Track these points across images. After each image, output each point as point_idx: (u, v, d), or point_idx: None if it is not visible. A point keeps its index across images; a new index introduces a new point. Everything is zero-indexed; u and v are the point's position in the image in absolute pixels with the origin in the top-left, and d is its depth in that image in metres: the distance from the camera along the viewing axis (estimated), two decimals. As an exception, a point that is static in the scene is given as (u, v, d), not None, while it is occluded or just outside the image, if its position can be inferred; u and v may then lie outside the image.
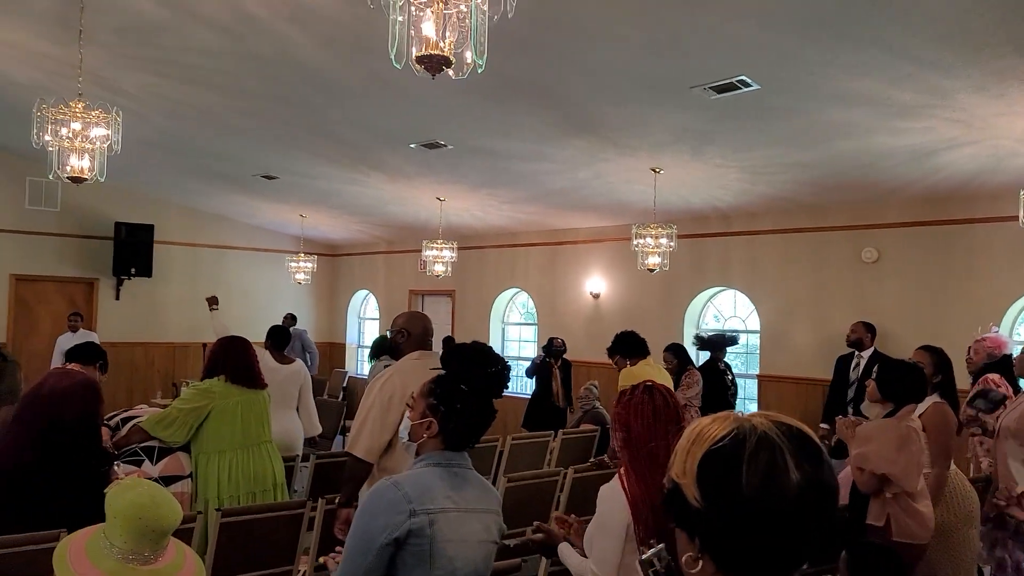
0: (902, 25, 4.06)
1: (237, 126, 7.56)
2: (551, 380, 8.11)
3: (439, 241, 9.35)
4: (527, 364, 10.73)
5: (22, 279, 10.41)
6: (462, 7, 2.27)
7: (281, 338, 6.03)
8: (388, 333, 3.81)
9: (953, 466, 3.95)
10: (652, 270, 7.29)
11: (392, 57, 2.31)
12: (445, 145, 7.18)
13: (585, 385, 7.62)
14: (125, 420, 4.26)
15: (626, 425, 2.47)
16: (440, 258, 9.34)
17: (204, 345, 10.74)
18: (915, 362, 3.94)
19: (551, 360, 8.26)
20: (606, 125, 6.20)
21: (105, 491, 2.04)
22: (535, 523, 2.73)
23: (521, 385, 10.91)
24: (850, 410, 6.39)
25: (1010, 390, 4.66)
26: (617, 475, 2.48)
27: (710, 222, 8.53)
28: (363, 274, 13.08)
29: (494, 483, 5.38)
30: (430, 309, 12.08)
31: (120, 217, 10.87)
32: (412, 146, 7.29)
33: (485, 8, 2.28)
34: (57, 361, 8.90)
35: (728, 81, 4.96)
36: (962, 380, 4.65)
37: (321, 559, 2.45)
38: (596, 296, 9.68)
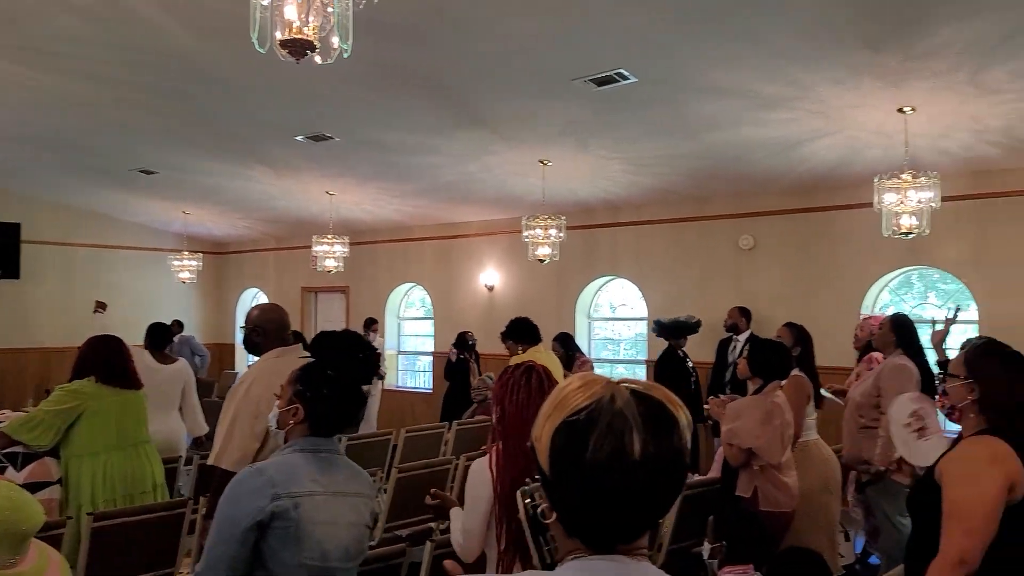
0: (769, 17, 4.26)
1: (110, 118, 7.22)
2: (468, 375, 8.09)
3: (330, 236, 9.21)
4: (427, 359, 10.74)
5: None
6: (326, -8, 2.26)
7: (160, 337, 5.81)
8: (243, 328, 3.55)
9: (815, 434, 4.21)
10: (543, 261, 7.41)
11: (255, 40, 2.28)
12: (332, 137, 7.08)
13: (480, 376, 7.68)
14: (-14, 427, 4.04)
15: (501, 403, 2.50)
16: (331, 253, 9.20)
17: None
18: (779, 340, 4.18)
19: (467, 355, 8.30)
20: (493, 117, 6.26)
21: None
22: (432, 490, 2.77)
23: (422, 380, 10.90)
24: (728, 390, 6.69)
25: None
26: (488, 452, 2.52)
27: (598, 213, 8.74)
28: (252, 272, 12.74)
29: (387, 476, 5.37)
30: (324, 306, 11.89)
31: (-17, 215, 10.24)
32: (298, 139, 7.16)
33: (348, -7, 2.28)
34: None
35: (607, 74, 5.09)
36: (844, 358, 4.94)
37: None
38: (490, 288, 9.76)
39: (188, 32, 5.07)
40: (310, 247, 11.21)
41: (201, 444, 6.13)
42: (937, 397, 2.33)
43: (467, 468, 4.84)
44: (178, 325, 10.66)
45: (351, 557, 2.13)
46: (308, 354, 2.32)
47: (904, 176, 5.21)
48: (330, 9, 2.24)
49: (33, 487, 3.77)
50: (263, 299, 12.73)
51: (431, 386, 10.40)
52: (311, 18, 2.25)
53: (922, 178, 5.18)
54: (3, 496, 1.98)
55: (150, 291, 11.94)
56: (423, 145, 7.07)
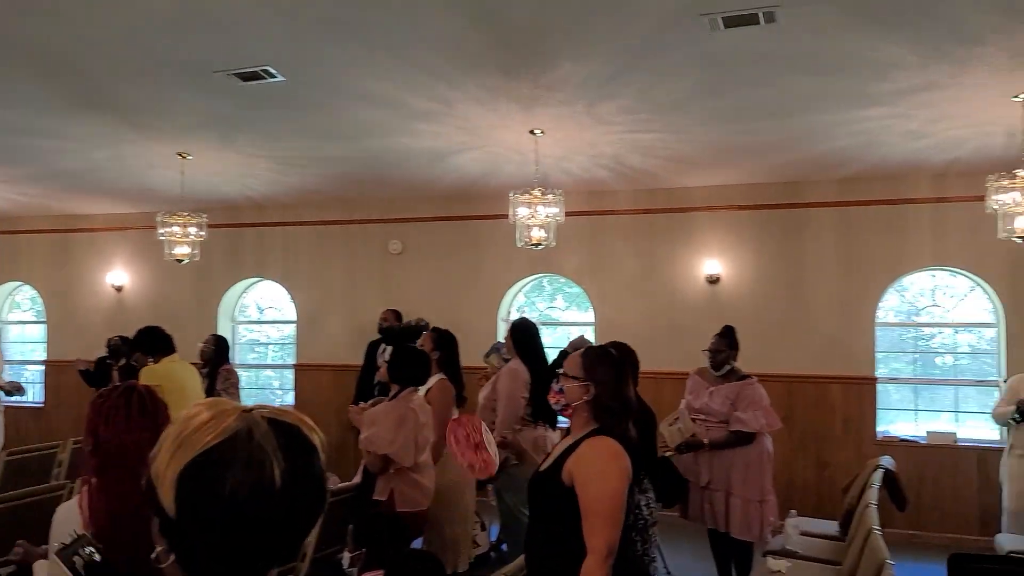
0: (409, 34, 4.39)
1: None
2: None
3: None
4: (38, 369, 9.40)
5: None
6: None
7: None
8: None
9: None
10: (180, 261, 6.89)
11: None
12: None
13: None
14: None
15: (94, 432, 2.14)
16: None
17: None
18: (421, 346, 4.37)
19: (111, 361, 7.37)
20: (126, 104, 5.66)
21: None
22: (19, 541, 2.38)
23: (30, 393, 9.48)
24: (376, 392, 6.82)
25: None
26: (80, 490, 2.20)
27: (244, 212, 8.37)
28: None
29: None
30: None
31: None
32: None
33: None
34: None
35: (253, 70, 4.88)
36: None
37: None
38: (119, 289, 8.84)
39: None
40: None
41: None
42: (552, 394, 2.53)
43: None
44: None
45: None
46: None
47: (535, 192, 5.74)
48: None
49: None
50: None
51: (43, 399, 9.13)
52: None
53: (549, 195, 5.74)
54: None
55: None
56: (38, 126, 6.17)
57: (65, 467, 5.67)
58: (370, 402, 4.40)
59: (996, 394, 6.44)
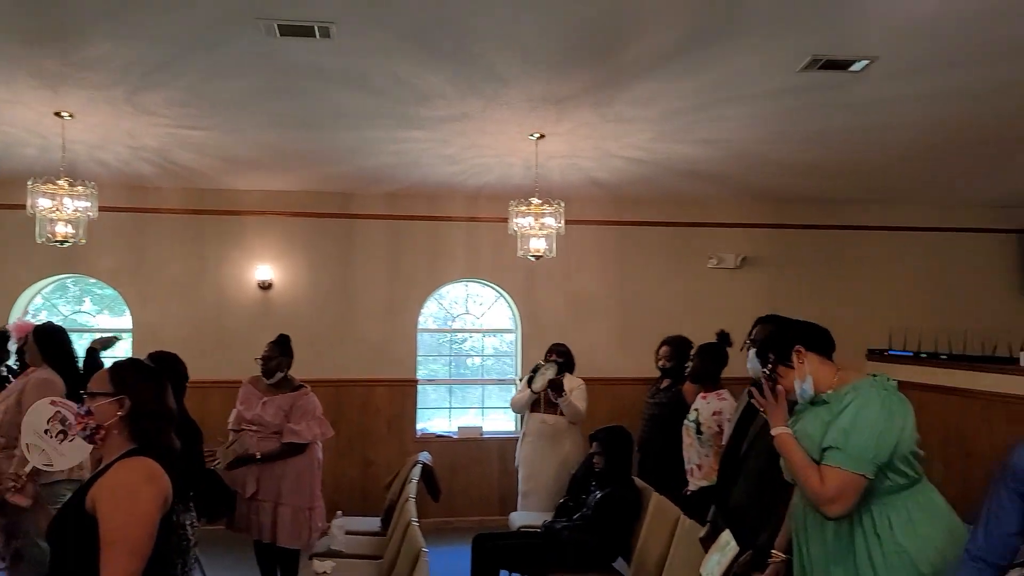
0: None
1: None
2: None
3: None
4: None
5: None
6: None
7: None
8: None
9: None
10: None
11: None
12: None
13: None
14: None
15: None
16: None
17: None
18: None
19: None
20: None
21: None
22: None
23: None
24: None
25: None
26: None
27: None
28: None
29: None
30: None
31: None
32: None
33: None
34: None
35: None
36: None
37: None
38: None
39: None
40: None
41: None
42: (77, 418, 2.22)
43: None
44: None
45: None
46: None
47: (61, 182, 5.05)
48: None
49: None
50: None
51: None
52: None
53: (80, 187, 5.11)
54: None
55: None
56: None
57: None
58: None
59: (515, 390, 7.43)
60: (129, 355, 6.69)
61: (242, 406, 4.73)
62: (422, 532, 3.26)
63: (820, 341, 2.55)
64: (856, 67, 4.49)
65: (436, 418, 7.63)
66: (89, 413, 2.19)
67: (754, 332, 3.04)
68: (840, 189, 7.14)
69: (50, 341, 4.24)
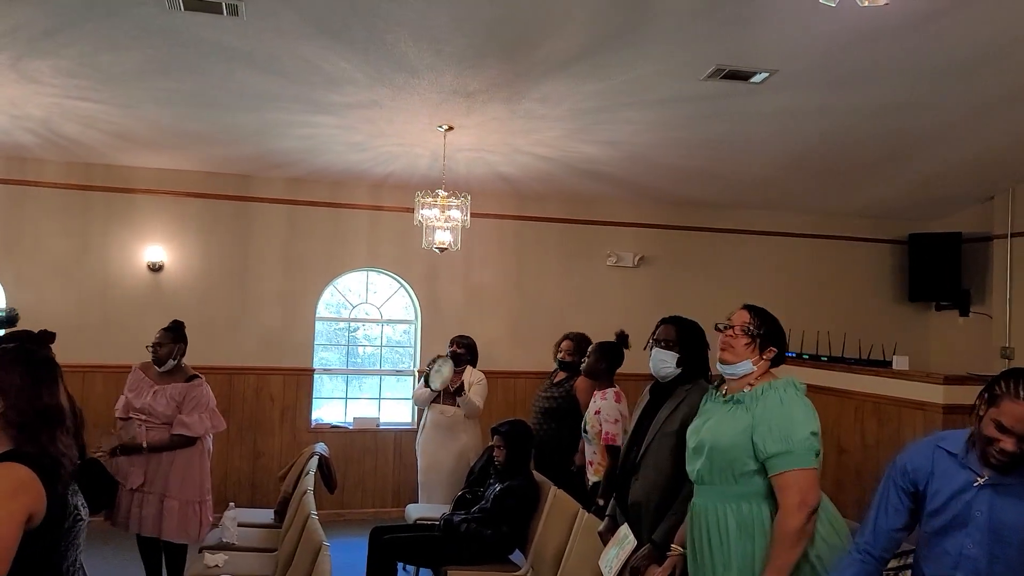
0: None
1: None
2: None
3: None
4: None
5: None
6: None
7: None
8: None
9: None
10: None
11: None
12: None
13: None
14: None
15: None
16: None
17: None
18: None
19: None
20: None
21: None
22: None
23: None
24: None
25: None
26: None
27: None
28: None
29: None
30: None
31: None
32: None
33: None
34: None
35: None
36: None
37: None
38: None
39: None
40: None
41: None
42: None
43: None
44: None
45: None
46: None
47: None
48: None
49: None
50: None
51: None
52: None
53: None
54: None
55: None
56: None
57: None
58: None
59: (411, 381, 7.40)
60: None
61: (131, 393, 4.52)
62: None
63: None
64: (757, 79, 4.70)
65: (330, 408, 7.51)
66: None
67: (658, 332, 3.14)
68: (733, 194, 7.44)
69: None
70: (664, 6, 3.93)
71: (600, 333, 5.07)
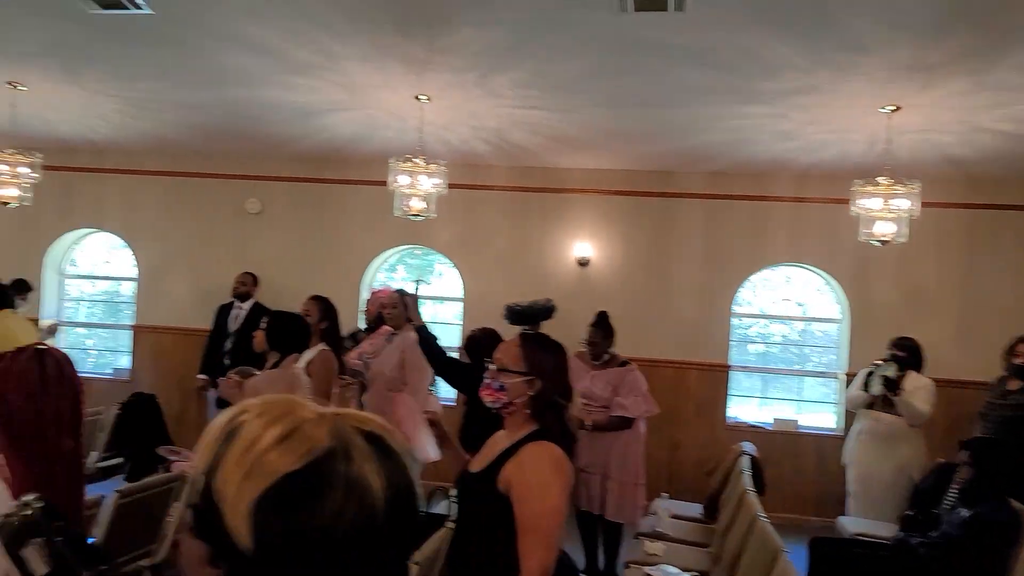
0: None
1: None
2: None
3: None
4: None
5: None
6: None
7: None
8: None
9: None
10: (7, 204, 6.09)
11: None
12: None
13: None
14: None
15: (3, 398, 1.92)
16: None
17: None
18: (306, 313, 4.07)
19: None
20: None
21: None
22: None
23: None
24: (228, 360, 6.38)
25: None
26: None
27: (81, 155, 7.54)
28: None
29: None
30: None
31: None
32: None
33: None
34: None
35: (115, -4, 4.34)
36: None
37: None
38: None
39: None
40: None
41: None
42: (488, 391, 2.16)
43: None
44: None
45: None
46: None
47: (418, 160, 5.50)
48: None
49: None
50: None
51: None
52: None
53: (433, 165, 5.52)
54: None
55: None
56: None
57: None
58: (235, 371, 4.01)
59: (836, 384, 6.91)
60: (460, 321, 7.20)
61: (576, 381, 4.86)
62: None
63: None
64: None
65: (743, 406, 7.34)
66: (502, 389, 2.16)
67: None
68: None
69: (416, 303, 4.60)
70: None
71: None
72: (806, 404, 7.26)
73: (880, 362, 5.29)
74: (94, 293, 8.54)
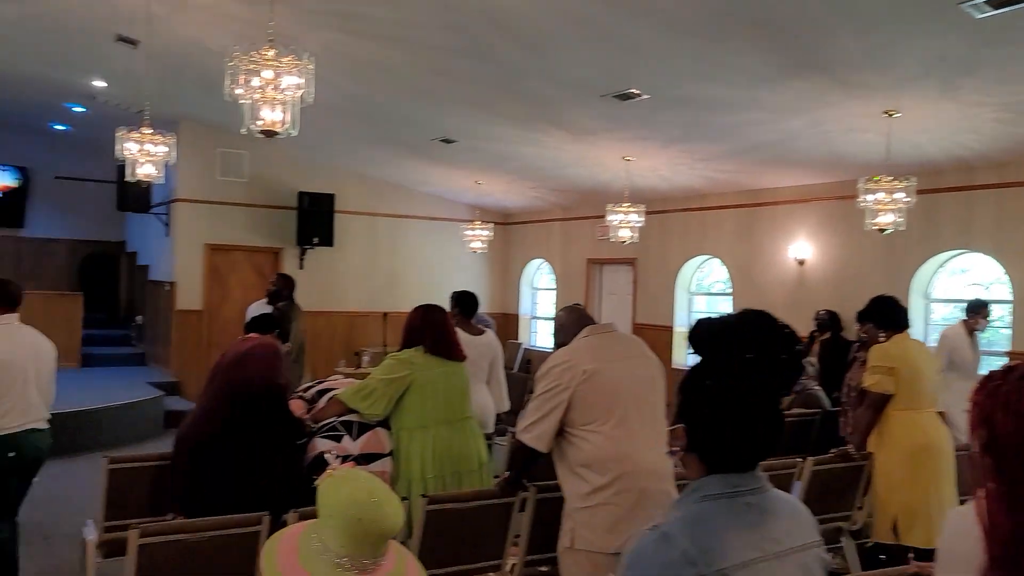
0: None
1: (422, 87, 7.24)
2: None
3: (625, 204, 8.69)
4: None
5: (215, 248, 10.73)
6: None
7: (471, 305, 5.63)
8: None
9: None
10: (883, 230, 6.31)
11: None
12: (640, 95, 6.50)
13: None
14: (321, 392, 3.98)
15: (990, 422, 1.71)
16: (626, 223, 8.69)
17: (385, 315, 10.72)
18: None
19: (817, 334, 7.59)
20: (839, 60, 5.31)
21: (316, 482, 1.76)
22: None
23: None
24: None
25: None
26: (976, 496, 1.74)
27: (946, 175, 7.37)
28: (537, 242, 12.66)
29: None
30: (609, 279, 11.50)
31: (303, 186, 10.95)
32: (603, 97, 6.67)
33: None
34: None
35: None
36: None
37: None
38: (801, 263, 8.71)
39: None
40: (597, 217, 10.88)
41: (501, 421, 5.89)
42: None
43: (815, 473, 4.04)
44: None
45: None
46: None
47: None
48: None
49: (367, 458, 3.63)
50: (547, 270, 12.61)
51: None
52: None
53: None
54: (364, 489, 1.68)
55: (443, 261, 12.29)
56: (743, 100, 6.27)
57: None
58: None
59: None
60: None
61: None
62: None
63: None
64: None
65: None
66: None
67: None
68: None
69: None
70: None
71: None
72: None
73: None
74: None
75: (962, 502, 3.03)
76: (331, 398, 3.80)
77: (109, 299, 13.80)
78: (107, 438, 7.67)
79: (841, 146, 7.04)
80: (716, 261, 9.93)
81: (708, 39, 5.26)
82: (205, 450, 3.43)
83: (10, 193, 13.02)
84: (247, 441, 3.41)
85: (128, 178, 6.20)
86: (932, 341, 7.87)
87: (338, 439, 3.64)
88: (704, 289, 10.36)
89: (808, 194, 8.65)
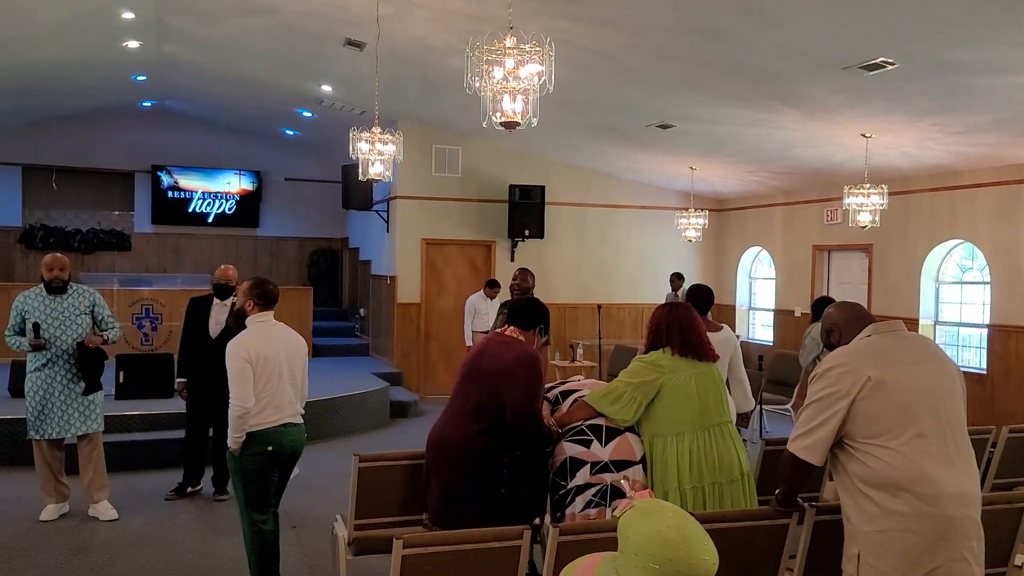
0: None
1: (640, 71, 6.93)
2: None
3: (865, 186, 7.90)
4: (974, 332, 8.88)
5: (431, 243, 11.02)
6: None
7: (706, 299, 5.27)
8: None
9: None
10: None
11: None
12: (889, 64, 5.80)
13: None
14: (564, 394, 3.81)
15: None
16: (866, 206, 7.90)
17: (599, 307, 10.54)
18: None
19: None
20: None
21: (615, 512, 1.62)
22: None
23: (971, 358, 9.00)
24: None
25: None
26: None
27: None
28: (756, 229, 11.93)
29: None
30: (839, 266, 10.60)
31: (513, 179, 11.00)
32: (847, 69, 6.02)
33: None
34: (468, 322, 9.18)
35: None
36: None
37: None
38: (1081, 246, 7.52)
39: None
40: (824, 200, 10.06)
41: (743, 421, 5.48)
42: None
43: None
44: (678, 277, 10.96)
45: None
46: None
47: None
48: None
49: (617, 465, 3.40)
50: (766, 257, 11.88)
51: (985, 366, 8.50)
52: None
53: None
54: (673, 526, 1.52)
55: (655, 250, 11.94)
56: (1015, 60, 5.41)
57: (997, 458, 4.69)
58: None
59: None
60: None
61: None
62: None
63: None
64: None
65: None
66: None
67: None
68: None
69: None
70: None
71: None
72: None
73: None
74: None
75: None
76: (577, 401, 3.62)
77: (333, 293, 14.68)
78: (341, 427, 8.04)
79: None
80: (970, 246, 8.81)
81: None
82: (467, 458, 3.41)
83: (247, 196, 14.15)
84: (505, 458, 3.35)
85: (361, 178, 6.36)
86: None
87: (587, 444, 3.44)
88: (955, 277, 9.23)
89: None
